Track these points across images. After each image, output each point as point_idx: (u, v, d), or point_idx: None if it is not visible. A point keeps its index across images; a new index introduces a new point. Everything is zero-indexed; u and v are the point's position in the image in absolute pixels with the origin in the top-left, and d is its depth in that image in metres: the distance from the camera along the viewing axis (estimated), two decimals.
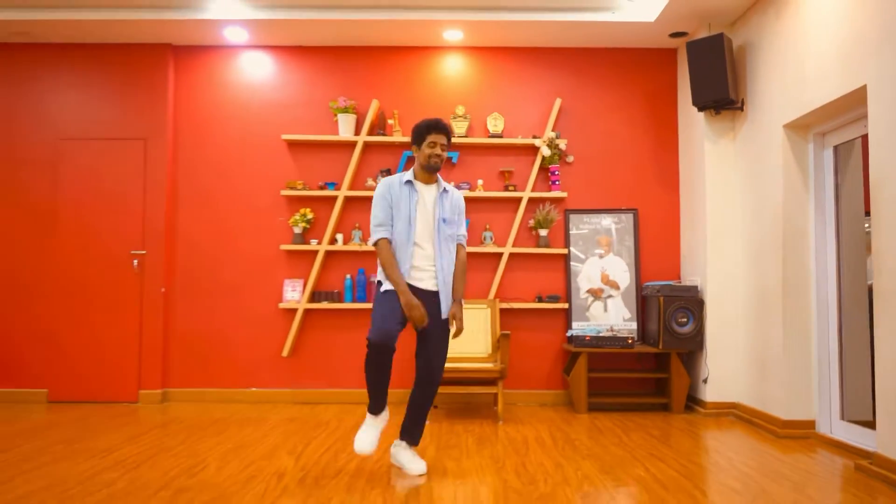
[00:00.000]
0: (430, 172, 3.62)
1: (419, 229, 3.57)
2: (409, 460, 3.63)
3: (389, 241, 3.57)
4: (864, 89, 3.77)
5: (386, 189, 3.61)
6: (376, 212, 3.60)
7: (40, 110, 5.87)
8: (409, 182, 3.61)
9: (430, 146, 3.58)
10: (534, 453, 4.03)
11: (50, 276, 5.76)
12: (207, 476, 3.52)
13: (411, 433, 3.70)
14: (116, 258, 5.76)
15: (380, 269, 3.62)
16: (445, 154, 3.63)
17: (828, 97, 4.09)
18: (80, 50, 5.88)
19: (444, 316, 3.61)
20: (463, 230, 3.76)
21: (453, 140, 5.71)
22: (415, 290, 3.52)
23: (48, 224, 5.79)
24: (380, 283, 3.62)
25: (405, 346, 3.98)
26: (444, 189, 3.68)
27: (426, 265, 3.59)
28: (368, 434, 3.54)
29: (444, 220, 3.62)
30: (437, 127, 3.59)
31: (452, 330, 3.63)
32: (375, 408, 3.57)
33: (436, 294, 3.59)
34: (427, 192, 3.63)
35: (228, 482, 3.41)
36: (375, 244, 3.58)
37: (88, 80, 5.89)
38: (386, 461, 3.83)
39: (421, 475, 3.55)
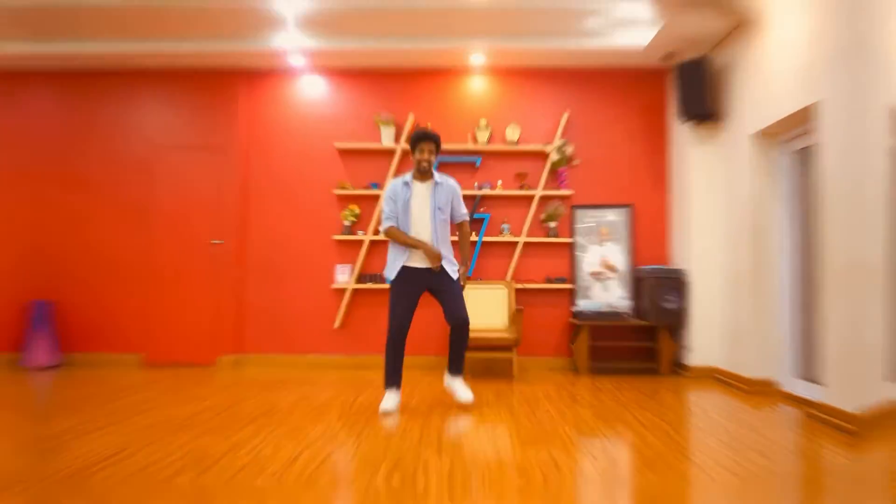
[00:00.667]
0: (421, 173, 4.18)
1: (415, 219, 4.14)
2: (461, 389, 4.30)
3: (397, 227, 4.18)
4: (817, 104, 4.13)
5: (391, 189, 4.23)
6: (384, 207, 4.23)
7: (141, 125, 6.45)
8: (406, 183, 4.19)
9: (420, 152, 4.16)
10: (542, 404, 4.49)
11: (145, 261, 6.35)
12: (282, 416, 4.04)
13: (457, 366, 4.33)
14: (199, 246, 6.33)
15: (389, 259, 4.23)
16: (433, 157, 4.18)
17: (788, 110, 4.46)
18: (168, 74, 6.44)
19: (455, 277, 4.22)
20: (463, 210, 4.34)
21: (476, 146, 6.20)
22: (416, 271, 4.14)
23: (144, 217, 6.38)
24: (386, 277, 4.24)
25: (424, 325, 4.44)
26: (437, 182, 4.19)
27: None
28: (390, 399, 4.19)
29: (439, 209, 4.17)
30: (423, 137, 4.15)
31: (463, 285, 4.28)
32: (393, 382, 4.21)
33: (440, 269, 4.18)
34: (421, 189, 4.18)
35: (300, 420, 3.93)
36: (386, 231, 4.19)
37: (178, 100, 6.45)
38: (420, 410, 4.32)
39: (468, 402, 4.24)
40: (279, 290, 6.35)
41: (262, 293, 6.36)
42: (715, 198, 5.66)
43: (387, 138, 6.26)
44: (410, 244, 4.13)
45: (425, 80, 6.41)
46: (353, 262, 6.30)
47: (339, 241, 6.34)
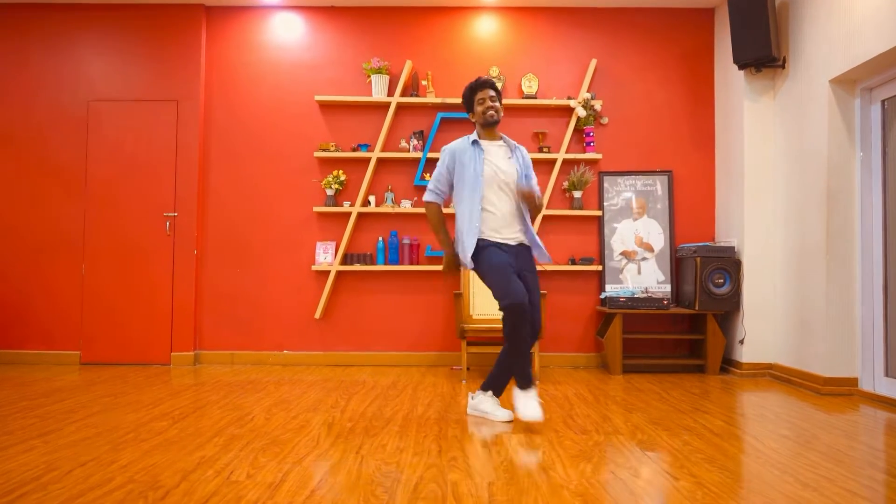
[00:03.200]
0: (491, 127, 3.69)
1: (494, 190, 3.59)
2: (525, 403, 3.48)
3: (439, 206, 3.74)
4: None
5: (452, 152, 3.69)
6: (436, 176, 3.73)
7: (72, 71, 5.81)
8: (474, 142, 3.66)
9: (480, 103, 3.68)
10: (578, 408, 4.00)
11: (81, 238, 5.73)
12: (257, 425, 3.50)
13: (523, 378, 3.56)
14: (148, 220, 5.72)
15: (459, 237, 3.65)
16: (499, 104, 3.71)
17: (878, 49, 3.99)
18: (112, 10, 5.80)
19: (542, 259, 3.71)
20: (534, 184, 3.76)
21: None
22: (500, 245, 3.57)
23: (79, 186, 5.75)
24: (465, 264, 3.62)
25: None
26: (513, 146, 3.73)
27: (506, 220, 3.60)
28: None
29: (527, 176, 3.70)
30: (479, 84, 3.69)
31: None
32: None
33: (526, 247, 3.66)
34: (495, 151, 3.67)
35: (279, 430, 3.39)
36: (426, 206, 3.77)
37: (120, 42, 5.82)
38: (431, 414, 3.80)
39: (535, 419, 3.43)
40: (247, 274, 5.77)
41: (225, 277, 5.77)
42: (774, 159, 5.20)
43: (378, 90, 5.69)
44: (438, 240, 3.79)
45: (426, 20, 5.84)
46: (337, 240, 5.74)
47: (321, 214, 5.77)
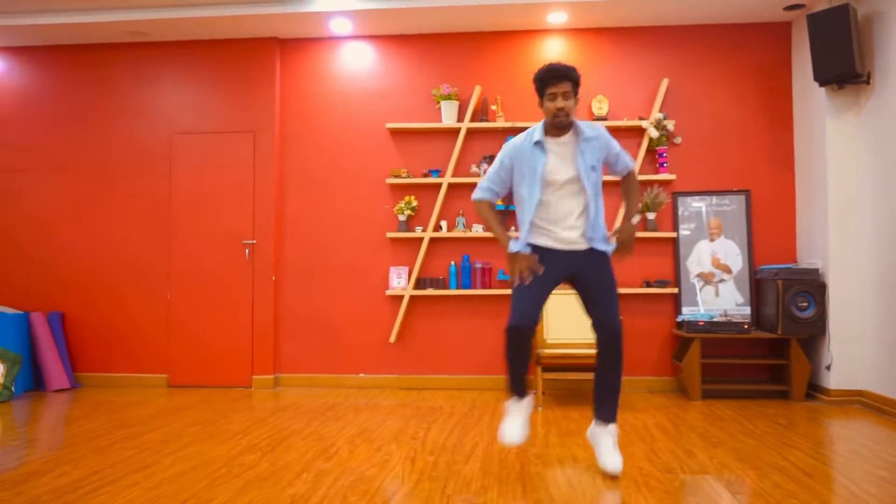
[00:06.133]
0: (557, 128, 3.22)
1: (555, 189, 3.22)
2: (606, 451, 3.24)
3: (489, 202, 3.41)
4: None
5: (508, 153, 3.33)
6: (490, 173, 3.40)
7: (155, 105, 6.08)
8: (536, 143, 3.23)
9: (551, 98, 3.16)
10: (660, 441, 3.95)
11: (166, 265, 5.99)
12: (342, 459, 3.58)
13: (608, 406, 3.30)
14: (228, 247, 5.93)
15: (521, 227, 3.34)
16: (573, 102, 3.17)
17: None
18: (191, 47, 6.05)
19: (608, 263, 3.31)
20: (627, 159, 3.48)
21: None
22: (551, 252, 3.25)
23: (164, 216, 6.01)
24: (510, 247, 3.29)
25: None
26: (584, 136, 3.25)
27: (566, 224, 3.24)
28: (515, 422, 3.31)
29: (592, 168, 3.26)
30: (554, 75, 3.14)
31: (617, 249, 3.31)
32: (517, 389, 3.33)
33: (588, 252, 3.27)
34: (561, 148, 3.23)
35: (364, 465, 3.47)
36: (476, 204, 3.43)
37: (200, 76, 6.06)
38: (508, 448, 3.82)
39: (614, 474, 3.19)
40: (323, 299, 5.92)
41: (302, 302, 5.93)
42: (860, 178, 5.02)
43: (448, 116, 5.76)
44: (496, 232, 3.35)
45: (494, 45, 5.88)
46: (410, 265, 5.82)
47: (394, 240, 5.87)
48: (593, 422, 3.38)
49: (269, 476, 3.28)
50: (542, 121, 3.27)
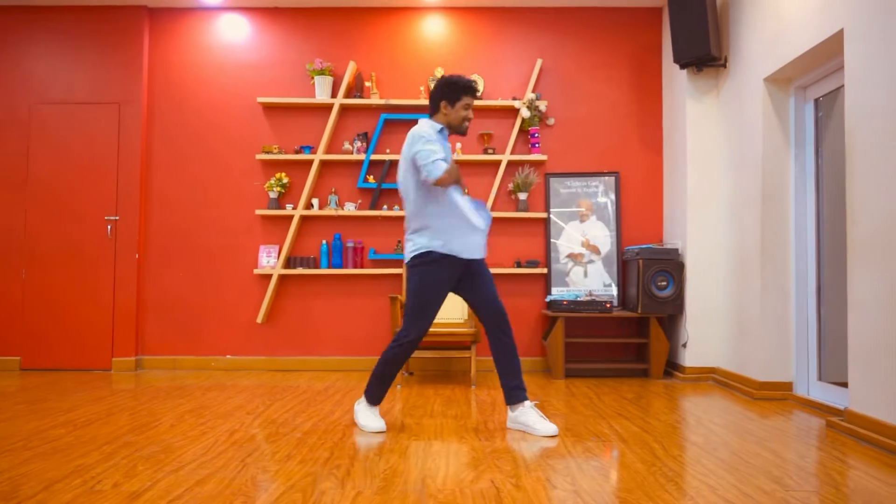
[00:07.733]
0: (454, 133, 3.52)
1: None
2: (537, 421, 3.38)
3: (451, 163, 3.34)
4: (840, 34, 3.60)
5: (430, 133, 3.37)
6: (436, 149, 3.28)
7: (13, 74, 5.76)
8: (441, 131, 3.46)
9: (465, 108, 3.46)
10: (499, 414, 3.91)
11: (22, 241, 5.68)
12: (158, 432, 3.43)
13: (520, 384, 3.45)
14: (89, 224, 5.67)
15: (421, 236, 3.39)
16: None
17: (805, 45, 3.92)
18: (54, 13, 5.75)
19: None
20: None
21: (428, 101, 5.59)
22: (457, 261, 3.39)
23: (19, 189, 5.69)
24: (422, 254, 3.37)
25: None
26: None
27: (469, 219, 3.41)
28: (375, 415, 3.53)
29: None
30: (472, 88, 3.46)
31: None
32: (378, 400, 3.54)
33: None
34: (447, 150, 3.49)
35: (177, 437, 3.32)
36: (447, 172, 3.23)
37: (62, 44, 5.77)
38: (346, 420, 3.72)
39: (554, 435, 3.32)
40: (189, 277, 5.71)
41: (167, 281, 5.71)
42: (717, 160, 5.12)
43: (322, 92, 5.63)
44: (456, 173, 3.28)
45: (370, 21, 5.79)
46: (280, 243, 5.67)
47: (264, 217, 5.71)
48: (509, 409, 3.49)
49: (65, 449, 3.09)
50: (434, 120, 3.47)
